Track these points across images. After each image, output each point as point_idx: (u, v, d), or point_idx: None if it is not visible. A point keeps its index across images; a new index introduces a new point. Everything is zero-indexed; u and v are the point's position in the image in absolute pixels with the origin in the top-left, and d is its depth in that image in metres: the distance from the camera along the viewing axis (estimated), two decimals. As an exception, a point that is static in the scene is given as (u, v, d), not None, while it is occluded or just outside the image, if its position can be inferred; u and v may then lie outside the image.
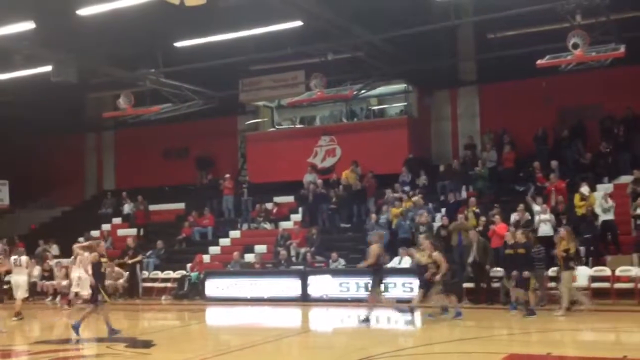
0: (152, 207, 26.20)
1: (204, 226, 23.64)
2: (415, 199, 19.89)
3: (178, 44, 20.44)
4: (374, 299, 14.25)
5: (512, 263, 14.56)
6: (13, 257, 17.31)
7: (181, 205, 26.05)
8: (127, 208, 26.09)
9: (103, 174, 30.62)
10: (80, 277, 17.44)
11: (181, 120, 25.36)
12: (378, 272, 14.31)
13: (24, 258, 16.77)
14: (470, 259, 16.50)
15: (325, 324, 14.00)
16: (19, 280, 16.59)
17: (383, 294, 14.74)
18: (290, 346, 12.26)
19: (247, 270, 20.10)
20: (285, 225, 22.43)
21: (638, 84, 20.58)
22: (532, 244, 14.80)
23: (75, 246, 16.72)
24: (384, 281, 14.91)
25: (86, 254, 15.36)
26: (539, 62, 16.90)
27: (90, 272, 13.51)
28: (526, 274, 14.09)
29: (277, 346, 12.06)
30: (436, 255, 14.14)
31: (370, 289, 14.49)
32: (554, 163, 19.64)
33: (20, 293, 16.48)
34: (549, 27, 18.67)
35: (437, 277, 14.00)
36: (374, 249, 14.16)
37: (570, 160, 20.38)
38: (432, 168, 22.46)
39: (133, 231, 24.40)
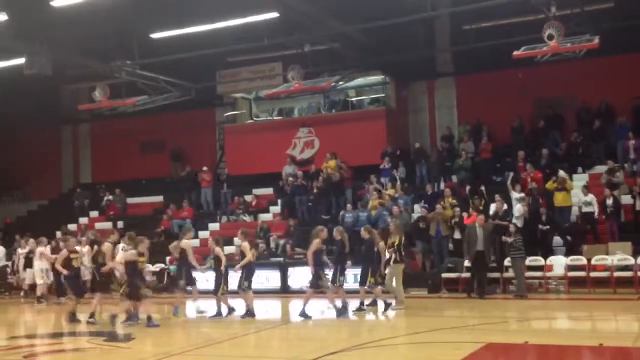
0: (129, 200, 26.05)
1: (183, 219, 23.51)
2: (393, 190, 20.02)
3: (154, 35, 20.25)
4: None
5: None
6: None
7: (159, 198, 25.91)
8: (105, 200, 25.85)
9: (79, 167, 30.30)
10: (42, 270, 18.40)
11: (158, 112, 25.15)
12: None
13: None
14: (479, 247, 15.62)
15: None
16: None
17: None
18: (270, 338, 12.27)
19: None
20: (264, 217, 22.41)
21: (612, 74, 20.87)
22: (376, 240, 14.37)
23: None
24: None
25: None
26: (515, 53, 17.03)
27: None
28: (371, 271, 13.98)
29: (257, 338, 12.07)
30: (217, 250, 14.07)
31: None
32: (545, 151, 19.85)
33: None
34: (524, 19, 18.84)
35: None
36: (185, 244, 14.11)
37: (547, 150, 20.60)
38: (410, 160, 22.57)
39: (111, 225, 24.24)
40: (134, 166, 27.94)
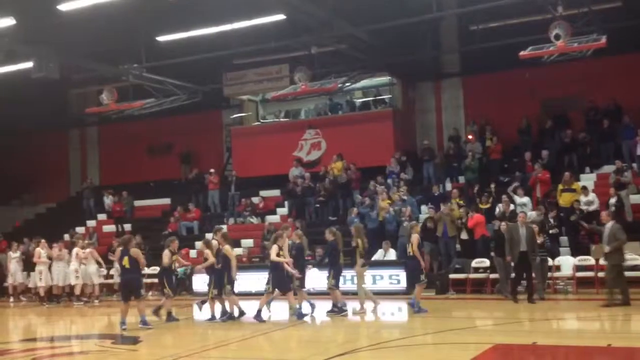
0: (137, 203, 26.11)
1: (190, 221, 23.59)
2: (401, 192, 19.99)
3: (160, 39, 20.33)
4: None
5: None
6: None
7: (167, 201, 25.98)
8: (107, 202, 25.91)
9: (87, 170, 30.40)
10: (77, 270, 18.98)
11: (165, 115, 25.22)
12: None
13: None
14: (522, 248, 14.61)
15: (313, 318, 14.05)
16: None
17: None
18: (278, 340, 12.26)
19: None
20: (271, 219, 22.43)
21: (619, 74, 20.78)
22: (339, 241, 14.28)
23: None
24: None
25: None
26: (521, 53, 16.98)
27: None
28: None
29: (265, 340, 12.07)
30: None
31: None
32: (544, 153, 19.80)
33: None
34: (531, 18, 18.80)
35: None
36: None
37: (554, 151, 20.55)
38: (418, 161, 22.54)
39: (120, 227, 24.36)
40: (142, 169, 28.02)
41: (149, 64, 21.66)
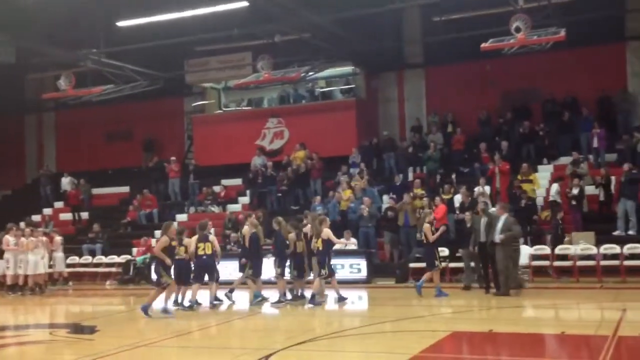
0: (95, 191, 25.70)
1: (148, 209, 23.30)
2: (361, 182, 20.04)
3: (121, 24, 19.94)
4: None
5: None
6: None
7: (125, 189, 25.61)
8: (64, 182, 25.38)
9: (44, 156, 29.75)
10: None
11: (125, 101, 24.81)
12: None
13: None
14: (482, 238, 14.39)
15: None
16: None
17: None
18: (238, 329, 12.22)
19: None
20: (232, 208, 22.31)
21: (578, 67, 21.17)
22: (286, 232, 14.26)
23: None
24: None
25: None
26: (482, 45, 17.15)
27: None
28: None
29: (225, 329, 12.02)
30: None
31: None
32: (504, 144, 20.05)
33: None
34: (493, 11, 18.98)
35: None
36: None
37: (513, 142, 20.83)
38: (379, 150, 22.65)
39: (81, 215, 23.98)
40: (100, 156, 27.56)
41: (109, 50, 21.25)
